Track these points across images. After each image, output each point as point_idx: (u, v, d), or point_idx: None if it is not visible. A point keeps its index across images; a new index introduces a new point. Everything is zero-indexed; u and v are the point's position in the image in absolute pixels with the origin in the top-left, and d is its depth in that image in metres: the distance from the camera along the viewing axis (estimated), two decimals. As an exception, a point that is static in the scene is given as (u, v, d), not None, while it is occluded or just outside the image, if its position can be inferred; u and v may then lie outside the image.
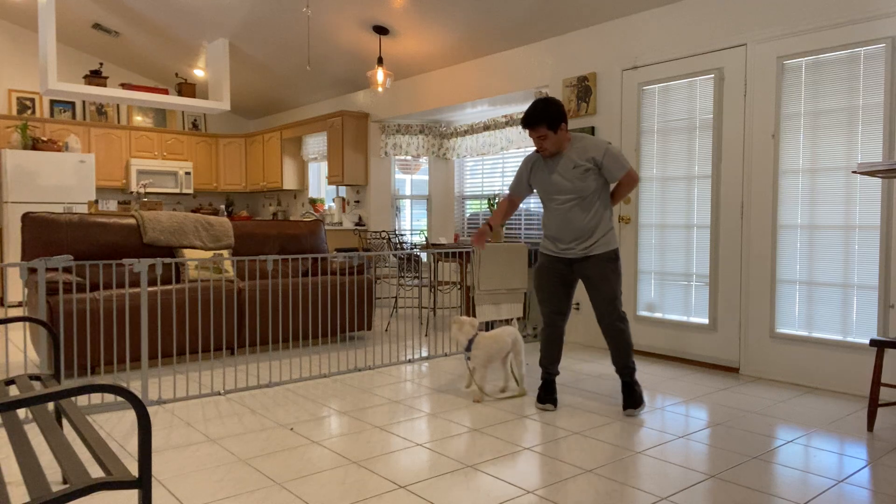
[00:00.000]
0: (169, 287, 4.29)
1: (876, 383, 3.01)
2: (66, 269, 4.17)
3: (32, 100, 7.68)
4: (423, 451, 2.74)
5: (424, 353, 4.70)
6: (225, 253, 4.90)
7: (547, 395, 3.42)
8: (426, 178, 7.42)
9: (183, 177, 8.44)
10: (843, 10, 3.67)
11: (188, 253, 4.68)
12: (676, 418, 3.23)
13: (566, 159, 3.34)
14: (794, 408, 3.42)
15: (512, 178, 6.52)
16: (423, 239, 7.32)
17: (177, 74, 8.10)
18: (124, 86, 6.60)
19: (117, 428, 3.02)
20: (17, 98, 7.59)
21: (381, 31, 5.77)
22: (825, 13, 3.74)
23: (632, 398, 3.33)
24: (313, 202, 8.12)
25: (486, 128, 6.59)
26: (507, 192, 3.69)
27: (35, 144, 7.14)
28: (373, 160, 7.28)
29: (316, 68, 7.02)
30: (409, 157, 7.40)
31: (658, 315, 4.63)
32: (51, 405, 3.08)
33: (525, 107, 6.21)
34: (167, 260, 3.57)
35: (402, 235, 6.27)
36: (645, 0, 4.52)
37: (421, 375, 4.09)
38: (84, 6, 6.52)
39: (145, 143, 8.24)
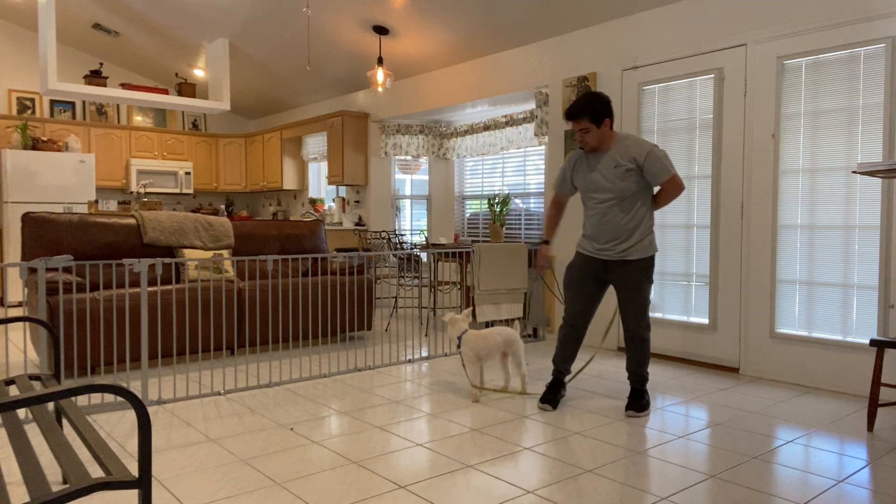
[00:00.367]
0: (169, 287, 4.29)
1: (876, 383, 3.01)
2: (66, 269, 4.17)
3: (32, 100, 7.68)
4: (423, 451, 2.74)
5: (424, 353, 4.70)
6: (225, 253, 4.90)
7: (548, 395, 3.40)
8: (426, 178, 7.42)
9: (183, 177, 8.44)
10: (843, 10, 3.67)
11: (188, 253, 4.69)
12: (676, 418, 3.23)
13: (608, 158, 3.26)
14: (794, 408, 3.42)
15: (512, 178, 6.53)
16: (423, 239, 7.32)
17: (177, 74, 8.10)
18: (124, 86, 6.60)
19: (117, 428, 3.02)
20: (17, 98, 7.59)
21: (381, 31, 5.77)
22: (825, 13, 3.74)
23: (637, 403, 3.31)
24: (313, 202, 8.12)
25: (486, 128, 6.59)
26: (553, 192, 3.57)
27: (35, 144, 7.14)
28: (373, 160, 7.28)
29: (316, 68, 7.02)
30: (409, 157, 7.40)
31: (658, 315, 4.63)
32: (51, 405, 3.08)
33: (525, 107, 6.21)
34: (167, 260, 3.57)
35: (402, 235, 6.27)
36: (645, 0, 4.52)
37: (421, 375, 4.09)
38: (84, 6, 6.52)
39: (145, 143, 8.24)
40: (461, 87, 6.19)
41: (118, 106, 8.37)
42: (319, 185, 8.50)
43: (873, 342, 2.97)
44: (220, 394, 3.64)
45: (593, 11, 4.81)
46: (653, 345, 4.65)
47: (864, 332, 3.68)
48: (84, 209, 7.29)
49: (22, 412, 3.17)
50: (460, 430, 3.02)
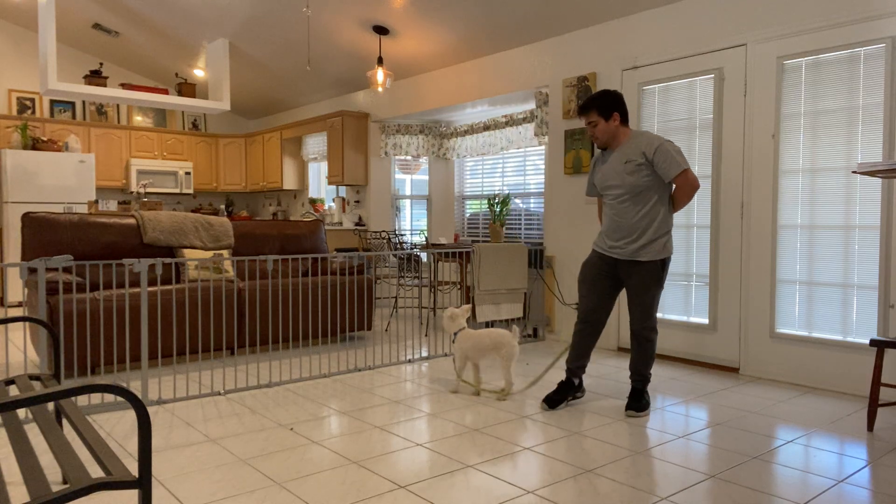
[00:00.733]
0: (169, 287, 4.29)
1: (876, 383, 3.01)
2: (66, 269, 4.17)
3: (32, 100, 7.68)
4: (423, 451, 2.74)
5: (424, 353, 4.70)
6: (225, 253, 4.90)
7: (552, 395, 3.39)
8: (426, 178, 7.42)
9: (183, 177, 8.44)
10: (843, 10, 3.67)
11: (188, 253, 4.68)
12: (676, 418, 3.23)
13: (620, 153, 3.27)
14: (794, 408, 3.42)
15: (511, 178, 6.53)
16: (423, 239, 7.32)
17: (177, 74, 8.10)
18: (124, 86, 6.60)
19: (117, 428, 3.02)
20: (17, 98, 7.59)
21: (381, 31, 5.77)
22: (825, 13, 3.74)
23: (637, 402, 3.30)
24: (313, 202, 8.12)
25: (486, 128, 6.59)
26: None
27: (35, 144, 7.14)
28: (373, 160, 7.28)
29: (316, 68, 7.02)
30: (409, 157, 7.40)
31: (658, 315, 4.63)
32: (51, 405, 3.08)
33: (525, 107, 6.21)
34: (167, 260, 3.57)
35: (402, 235, 6.27)
36: (645, 0, 4.52)
37: (421, 375, 4.09)
38: (84, 6, 6.53)
39: (145, 143, 8.24)
40: (461, 87, 6.19)
41: (118, 106, 8.37)
42: (319, 185, 8.50)
43: (873, 342, 2.97)
44: (220, 394, 3.64)
45: (593, 11, 4.81)
46: (653, 345, 4.65)
47: (864, 332, 3.67)
48: (84, 209, 7.29)
49: (22, 412, 3.17)
50: (460, 430, 3.02)
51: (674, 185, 3.26)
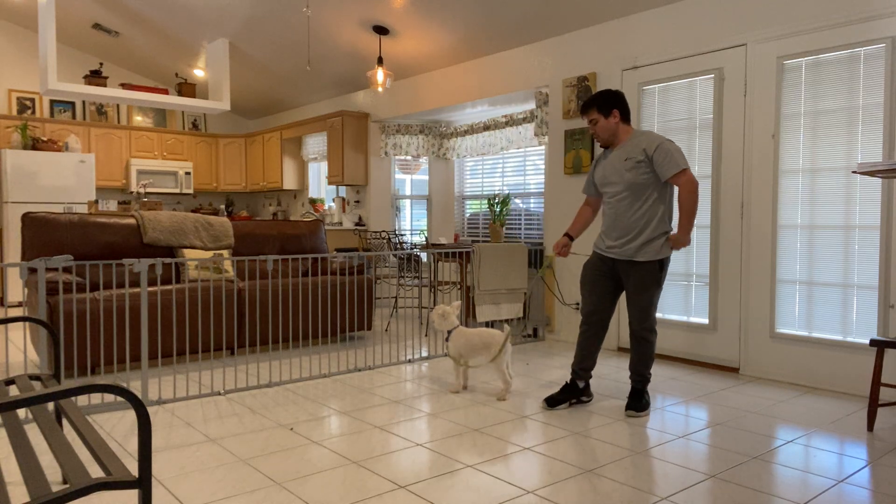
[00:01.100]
0: (169, 287, 4.29)
1: (876, 383, 3.01)
2: (66, 269, 4.17)
3: (32, 100, 7.68)
4: (423, 451, 2.74)
5: (424, 353, 4.70)
6: (225, 253, 4.90)
7: (554, 395, 3.39)
8: (426, 178, 7.42)
9: (183, 177, 8.44)
10: (843, 10, 3.67)
11: (188, 253, 4.68)
12: (676, 418, 3.23)
13: (620, 151, 3.28)
14: (794, 408, 3.42)
15: (511, 178, 6.53)
16: (423, 239, 7.32)
17: (177, 74, 8.10)
18: (124, 86, 6.60)
19: (117, 428, 3.02)
20: (17, 98, 7.59)
21: (381, 31, 5.77)
22: (825, 13, 3.74)
23: (637, 403, 3.30)
24: (313, 202, 8.12)
25: (486, 128, 6.59)
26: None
27: (35, 144, 7.14)
28: (373, 160, 7.28)
29: (316, 68, 7.02)
30: (409, 157, 7.40)
31: (658, 315, 4.63)
32: (51, 405, 3.08)
33: (525, 107, 6.21)
34: (167, 260, 3.57)
35: (402, 235, 6.27)
36: (645, 0, 4.52)
37: (421, 375, 4.09)
38: (84, 6, 6.53)
39: (145, 143, 8.24)
40: (461, 87, 6.19)
41: (118, 106, 8.37)
42: (319, 185, 8.50)
43: (873, 342, 2.97)
44: (220, 394, 3.64)
45: (593, 11, 4.81)
46: (653, 345, 4.65)
47: (864, 332, 3.68)
48: (84, 209, 7.29)
49: (22, 412, 3.17)
50: (460, 430, 3.02)
51: (674, 187, 3.26)
